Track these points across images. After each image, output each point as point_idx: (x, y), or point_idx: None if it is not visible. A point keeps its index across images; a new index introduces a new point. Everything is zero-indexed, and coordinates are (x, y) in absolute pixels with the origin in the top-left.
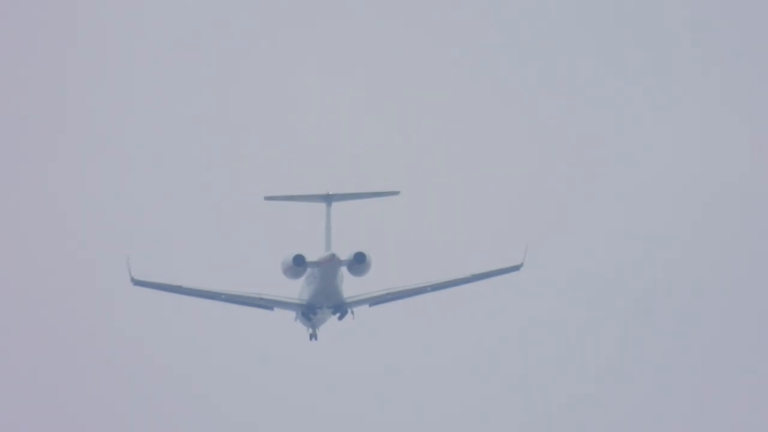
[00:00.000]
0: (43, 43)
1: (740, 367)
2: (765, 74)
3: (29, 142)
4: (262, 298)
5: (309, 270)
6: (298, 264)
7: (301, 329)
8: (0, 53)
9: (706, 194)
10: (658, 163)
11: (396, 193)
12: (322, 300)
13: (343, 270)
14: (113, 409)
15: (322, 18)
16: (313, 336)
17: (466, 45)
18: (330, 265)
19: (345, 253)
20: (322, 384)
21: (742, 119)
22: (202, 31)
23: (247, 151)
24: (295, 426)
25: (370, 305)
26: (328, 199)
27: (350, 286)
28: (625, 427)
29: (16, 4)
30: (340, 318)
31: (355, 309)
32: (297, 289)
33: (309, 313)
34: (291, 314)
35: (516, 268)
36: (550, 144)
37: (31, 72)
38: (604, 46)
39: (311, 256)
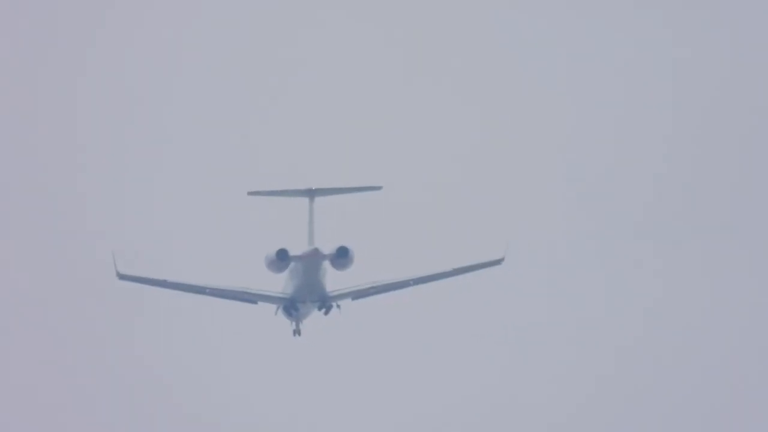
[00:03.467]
0: (41, 41)
1: (738, 369)
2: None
3: (18, 135)
4: (246, 292)
5: (292, 264)
6: (281, 258)
7: (285, 324)
8: (7, 51)
9: (697, 189)
10: (645, 159)
11: (378, 187)
12: (306, 294)
13: (326, 264)
14: (99, 403)
15: (306, 14)
16: (296, 332)
17: (450, 42)
18: (313, 259)
19: (328, 248)
20: (305, 378)
21: (718, 124)
22: (189, 29)
23: (230, 147)
24: (278, 421)
25: (353, 299)
26: (311, 193)
27: (333, 280)
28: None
29: (19, 2)
30: (326, 313)
31: (338, 303)
32: (281, 283)
33: (291, 308)
34: (274, 308)
35: (498, 262)
36: (532, 139)
37: (25, 69)
38: (587, 44)
39: (294, 251)
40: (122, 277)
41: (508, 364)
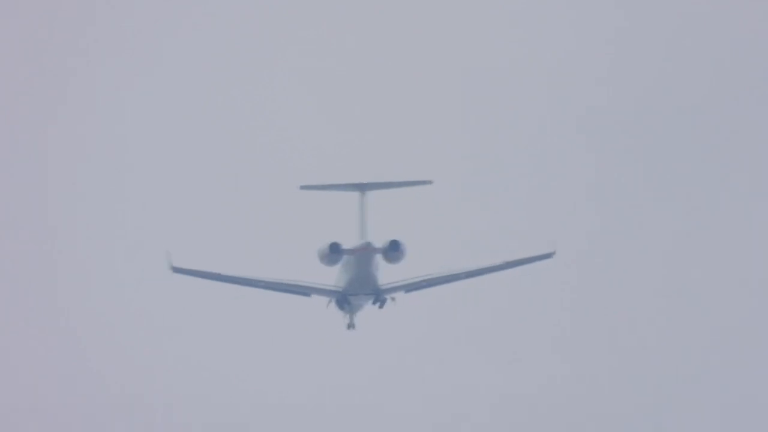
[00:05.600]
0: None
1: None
2: None
3: (78, 129)
4: (299, 285)
5: (345, 257)
6: (334, 252)
7: (338, 316)
8: (20, 46)
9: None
10: (695, 157)
11: (429, 182)
12: (358, 287)
13: (379, 258)
14: (150, 393)
15: (345, 10)
16: (350, 325)
17: (500, 34)
18: (365, 252)
19: (380, 241)
20: (358, 370)
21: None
22: (243, 24)
23: (282, 142)
24: (332, 413)
25: (406, 292)
26: (362, 188)
27: (386, 273)
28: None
29: (21, 3)
30: (381, 307)
31: (392, 296)
32: (333, 275)
33: (344, 301)
34: (326, 301)
35: (548, 255)
36: (582, 133)
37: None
38: (604, 36)
39: (347, 244)
40: (176, 270)
41: (560, 356)
